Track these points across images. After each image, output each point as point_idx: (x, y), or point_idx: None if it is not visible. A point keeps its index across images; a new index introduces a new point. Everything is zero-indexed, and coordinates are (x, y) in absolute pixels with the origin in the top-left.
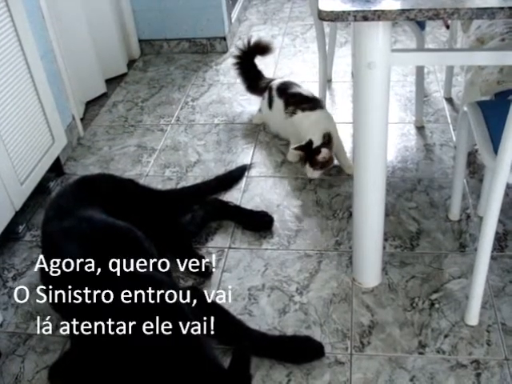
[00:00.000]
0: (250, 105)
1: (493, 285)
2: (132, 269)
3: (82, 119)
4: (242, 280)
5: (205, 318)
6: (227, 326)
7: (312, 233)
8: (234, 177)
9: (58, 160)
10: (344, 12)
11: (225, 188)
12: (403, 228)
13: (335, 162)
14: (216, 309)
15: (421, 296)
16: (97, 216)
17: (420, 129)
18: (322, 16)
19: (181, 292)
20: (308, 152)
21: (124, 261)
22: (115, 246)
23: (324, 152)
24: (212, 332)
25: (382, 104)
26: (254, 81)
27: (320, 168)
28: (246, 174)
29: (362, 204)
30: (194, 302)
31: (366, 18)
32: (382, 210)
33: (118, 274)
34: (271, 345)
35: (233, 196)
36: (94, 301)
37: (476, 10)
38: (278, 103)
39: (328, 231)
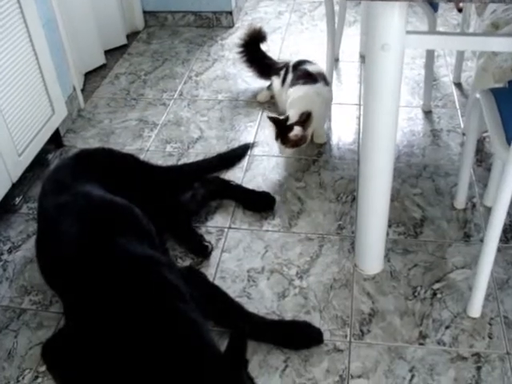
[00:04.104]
0: (254, 82)
1: (497, 277)
2: (129, 247)
3: (82, 90)
4: (241, 261)
5: (202, 300)
6: (225, 309)
7: (314, 215)
8: (236, 155)
9: (57, 132)
10: None
11: (227, 166)
12: (407, 215)
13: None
14: (214, 290)
15: (423, 285)
16: (94, 192)
17: (427, 113)
18: None
19: (178, 272)
20: (281, 128)
21: (121, 239)
22: (112, 224)
23: (296, 130)
24: (209, 314)
25: (395, 88)
26: (266, 66)
27: (291, 146)
28: (249, 152)
29: (368, 188)
30: (192, 282)
31: None
32: (388, 195)
33: (115, 252)
34: (269, 329)
35: (235, 175)
36: (90, 279)
37: None
38: (289, 78)
39: (331, 215)
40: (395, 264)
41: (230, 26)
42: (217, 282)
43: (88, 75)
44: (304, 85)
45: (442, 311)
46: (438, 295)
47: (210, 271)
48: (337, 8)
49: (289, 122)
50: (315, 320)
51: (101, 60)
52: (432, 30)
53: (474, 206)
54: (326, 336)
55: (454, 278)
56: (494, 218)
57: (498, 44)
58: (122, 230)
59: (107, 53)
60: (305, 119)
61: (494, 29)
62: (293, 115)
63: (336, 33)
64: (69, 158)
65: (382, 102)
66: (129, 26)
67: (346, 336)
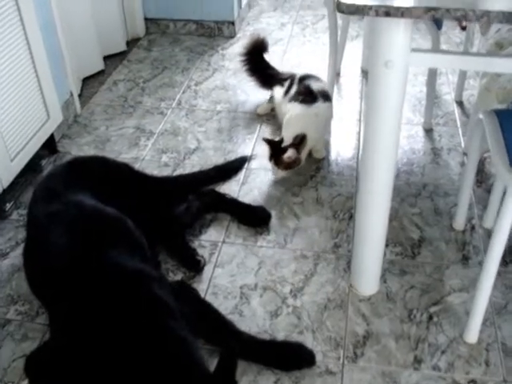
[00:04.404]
0: (254, 93)
1: (495, 301)
2: (119, 260)
3: (79, 96)
4: (234, 277)
5: (192, 316)
6: (215, 326)
7: (310, 232)
8: (233, 168)
9: (51, 137)
10: (365, 6)
11: (223, 179)
12: (405, 234)
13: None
14: (205, 307)
15: (419, 308)
16: (86, 201)
17: (428, 131)
18: (341, 8)
19: (169, 287)
20: (276, 149)
21: (112, 251)
22: (103, 235)
23: (290, 152)
24: (199, 331)
25: (397, 106)
26: (269, 76)
27: (284, 168)
28: (246, 165)
29: (366, 206)
30: (182, 297)
31: (388, 14)
32: (387, 214)
33: (105, 265)
34: (260, 349)
35: (231, 188)
36: (77, 292)
37: (508, 15)
38: (293, 91)
39: (327, 232)
40: (392, 285)
41: (232, 36)
42: (208, 298)
43: (86, 80)
44: (301, 103)
45: (438, 335)
46: (435, 319)
47: (202, 286)
48: (340, 22)
49: (283, 144)
50: (308, 341)
51: (99, 66)
52: (436, 48)
53: (473, 227)
54: (319, 358)
55: (452, 301)
56: (494, 241)
57: (502, 65)
58: (113, 241)
59: (106, 59)
60: (299, 142)
61: (498, 48)
62: (287, 137)
63: (338, 47)
64: (61, 165)
65: (384, 119)
66: (129, 32)
67: (339, 358)
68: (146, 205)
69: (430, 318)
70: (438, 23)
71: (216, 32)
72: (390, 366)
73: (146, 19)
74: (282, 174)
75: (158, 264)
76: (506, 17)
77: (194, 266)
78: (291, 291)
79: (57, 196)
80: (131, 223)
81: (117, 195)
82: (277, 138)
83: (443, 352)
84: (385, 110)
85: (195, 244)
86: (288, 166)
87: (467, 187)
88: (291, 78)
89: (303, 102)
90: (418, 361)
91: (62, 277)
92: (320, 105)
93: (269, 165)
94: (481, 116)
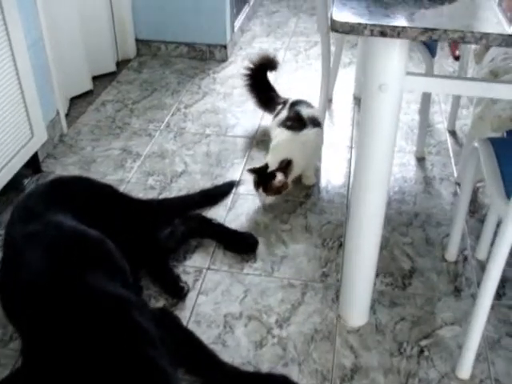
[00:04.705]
0: (245, 117)
1: (488, 336)
2: (98, 284)
3: (66, 115)
4: (218, 305)
5: (173, 345)
6: (197, 356)
7: (298, 261)
8: (220, 192)
9: (35, 156)
10: (360, 25)
11: (210, 203)
12: (396, 265)
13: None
14: (187, 335)
15: (410, 341)
16: (66, 222)
17: (420, 160)
18: (336, 27)
19: (150, 314)
20: (262, 176)
21: (91, 275)
22: (82, 258)
23: (279, 176)
24: (180, 361)
25: (391, 131)
26: (268, 97)
27: (274, 193)
28: (234, 190)
29: (356, 235)
30: (164, 325)
31: (383, 34)
32: (377, 243)
33: (83, 289)
34: (243, 381)
35: (217, 213)
36: (54, 318)
37: (507, 37)
38: (282, 115)
39: (315, 261)
40: (381, 317)
41: (224, 59)
42: (191, 327)
43: (74, 100)
44: (289, 129)
45: (429, 370)
46: (426, 353)
47: (185, 314)
48: (333, 48)
49: (269, 170)
50: (293, 373)
51: (88, 86)
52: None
53: (465, 258)
54: None
55: (443, 334)
56: (488, 274)
57: (499, 90)
58: (93, 264)
59: (96, 79)
60: (285, 166)
61: (493, 77)
62: (272, 162)
63: (331, 73)
64: (42, 184)
65: (377, 144)
66: (120, 53)
67: None
68: (128, 228)
69: (421, 351)
70: (431, 51)
71: (208, 55)
72: None
73: (138, 40)
74: (269, 199)
75: (139, 289)
76: (505, 40)
77: (177, 292)
78: (277, 321)
79: (36, 216)
80: (113, 246)
81: (99, 217)
82: (258, 165)
83: None
84: (378, 135)
85: (179, 270)
86: (277, 190)
87: (460, 217)
88: (284, 102)
89: (291, 128)
90: None
91: (37, 301)
92: (308, 132)
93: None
94: (476, 144)
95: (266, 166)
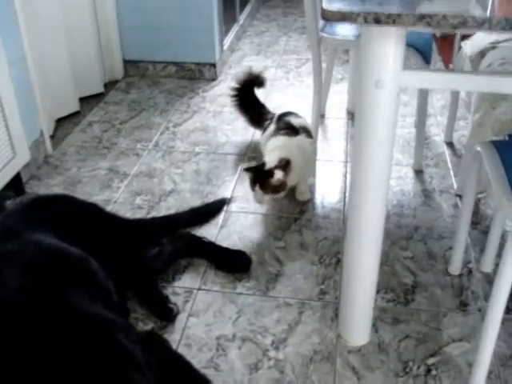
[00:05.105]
0: (235, 135)
1: (499, 352)
2: (80, 306)
3: (52, 136)
4: (210, 327)
5: (162, 370)
6: (188, 382)
7: (294, 279)
8: (211, 210)
9: (18, 177)
10: (353, 13)
11: (200, 222)
12: (397, 280)
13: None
14: (176, 359)
15: (415, 360)
16: (46, 240)
17: (418, 173)
18: (327, 16)
19: (136, 337)
20: (259, 175)
21: (72, 296)
22: (63, 277)
23: (278, 174)
24: None
25: (388, 133)
26: (258, 114)
27: (272, 192)
28: (225, 208)
29: (355, 250)
30: (152, 349)
31: (378, 21)
32: (377, 258)
33: (64, 311)
34: None
35: (209, 231)
36: (32, 342)
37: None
38: (271, 128)
39: (312, 278)
40: (384, 335)
41: (213, 78)
42: (181, 350)
43: (60, 121)
44: (284, 135)
45: None
46: (433, 372)
47: (174, 337)
48: (324, 65)
49: (267, 167)
50: None
51: (74, 107)
52: None
53: (470, 271)
54: None
55: (451, 352)
56: (497, 288)
57: (501, 84)
58: (74, 285)
59: (83, 100)
60: (284, 164)
61: None
62: (270, 161)
63: (323, 88)
64: (23, 203)
65: (374, 150)
66: (107, 74)
67: None
68: (113, 246)
69: (428, 370)
70: (426, 59)
71: (197, 74)
72: None
73: (125, 61)
74: (266, 198)
75: (125, 312)
76: (509, 24)
77: (166, 314)
78: (273, 342)
79: (14, 235)
80: (96, 265)
81: (82, 236)
82: (257, 164)
83: None
84: (375, 139)
85: (168, 291)
86: (275, 189)
87: (463, 229)
88: (271, 118)
89: (285, 134)
90: None
91: (14, 323)
92: (302, 138)
93: (250, 207)
94: (478, 149)
95: (263, 164)
